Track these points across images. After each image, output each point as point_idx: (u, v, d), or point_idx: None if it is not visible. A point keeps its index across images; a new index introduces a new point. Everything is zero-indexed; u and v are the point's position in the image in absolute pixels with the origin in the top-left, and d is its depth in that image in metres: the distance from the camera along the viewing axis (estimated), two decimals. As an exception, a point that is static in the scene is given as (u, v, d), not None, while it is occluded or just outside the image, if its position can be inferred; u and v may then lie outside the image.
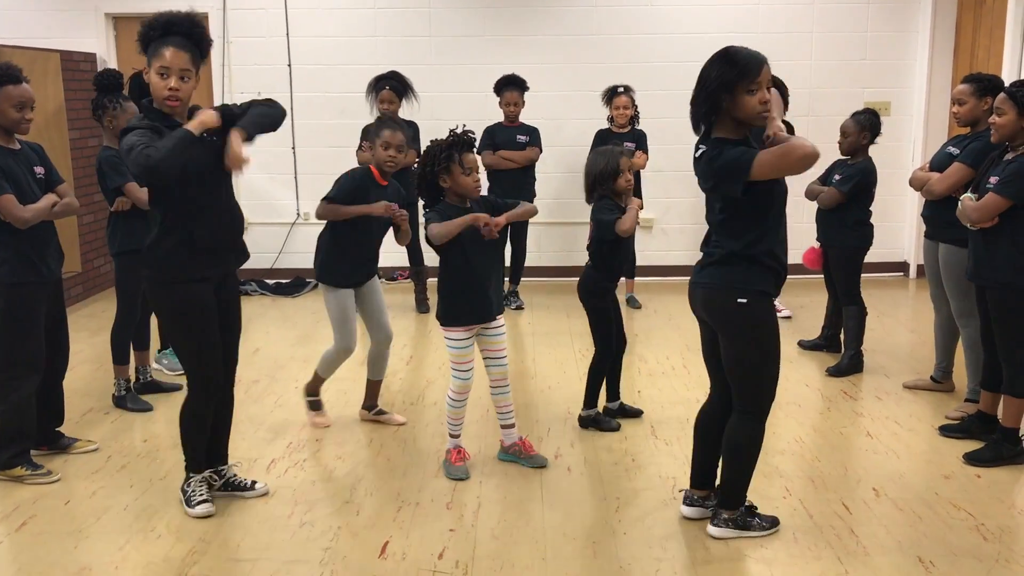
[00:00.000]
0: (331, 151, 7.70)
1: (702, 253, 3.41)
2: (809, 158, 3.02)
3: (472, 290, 3.95)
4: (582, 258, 4.72)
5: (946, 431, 4.49)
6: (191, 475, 3.74)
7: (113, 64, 7.92)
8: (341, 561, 3.34)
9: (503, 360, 4.11)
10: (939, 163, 4.81)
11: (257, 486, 3.90)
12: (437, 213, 3.90)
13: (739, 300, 3.22)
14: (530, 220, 7.16)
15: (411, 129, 6.85)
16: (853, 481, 3.98)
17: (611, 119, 6.94)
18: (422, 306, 7.13)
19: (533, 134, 7.04)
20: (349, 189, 4.37)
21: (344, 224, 4.35)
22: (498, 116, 7.06)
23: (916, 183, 4.95)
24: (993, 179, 4.06)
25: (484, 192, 4.25)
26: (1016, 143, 4.06)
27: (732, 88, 3.08)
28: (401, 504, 3.79)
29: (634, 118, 6.92)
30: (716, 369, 3.49)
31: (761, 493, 3.84)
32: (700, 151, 3.25)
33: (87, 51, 7.67)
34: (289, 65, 7.96)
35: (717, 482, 3.57)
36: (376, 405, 4.77)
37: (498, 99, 6.98)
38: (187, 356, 3.64)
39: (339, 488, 3.96)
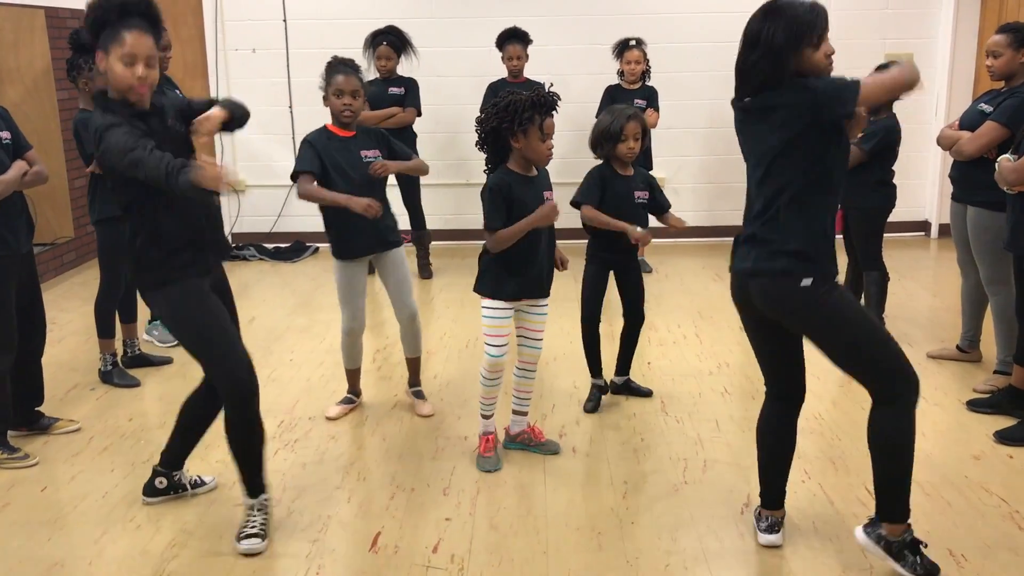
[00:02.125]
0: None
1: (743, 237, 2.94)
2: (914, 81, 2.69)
3: (523, 262, 3.59)
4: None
5: (974, 406, 4.24)
6: (252, 499, 3.25)
7: (102, 21, 7.62)
8: (329, 555, 3.13)
9: (539, 343, 3.78)
10: (970, 121, 4.50)
11: (206, 480, 3.62)
12: (496, 181, 3.53)
13: (803, 283, 2.78)
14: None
15: (410, 85, 6.57)
16: (876, 462, 3.74)
17: (621, 74, 6.61)
18: (424, 271, 6.88)
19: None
20: (310, 157, 3.95)
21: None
22: (502, 71, 6.75)
23: (945, 142, 4.64)
24: None
25: None
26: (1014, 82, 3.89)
27: (799, 44, 2.72)
28: (395, 490, 3.57)
29: (645, 73, 6.59)
30: (771, 364, 3.08)
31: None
32: (762, 100, 2.80)
33: (74, 7, 7.35)
34: (284, 20, 7.63)
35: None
36: (418, 383, 4.43)
37: (500, 54, 6.66)
38: (210, 363, 3.14)
39: (330, 472, 3.75)
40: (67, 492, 3.60)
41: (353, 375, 4.36)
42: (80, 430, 4.18)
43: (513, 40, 6.60)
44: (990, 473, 3.63)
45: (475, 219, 7.49)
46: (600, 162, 4.21)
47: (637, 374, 4.59)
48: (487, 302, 3.65)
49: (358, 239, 4.05)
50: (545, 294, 3.72)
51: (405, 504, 3.46)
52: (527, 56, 6.66)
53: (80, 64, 4.62)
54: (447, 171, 7.64)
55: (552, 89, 3.56)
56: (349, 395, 4.38)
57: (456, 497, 3.51)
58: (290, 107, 7.77)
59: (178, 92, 5.42)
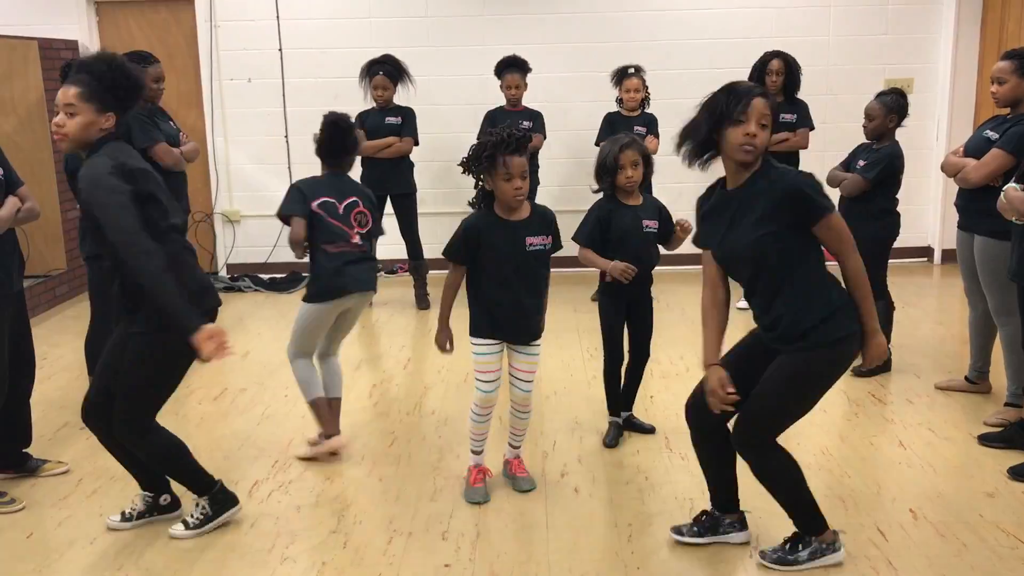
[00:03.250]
0: (325, 139, 7.32)
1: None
2: None
3: (503, 308, 3.54)
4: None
5: (985, 440, 4.14)
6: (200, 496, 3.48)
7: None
8: (324, 605, 3.03)
9: (527, 384, 3.68)
10: (975, 148, 4.42)
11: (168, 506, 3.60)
12: (469, 223, 3.54)
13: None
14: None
15: (407, 114, 6.51)
16: (888, 501, 3.63)
17: (620, 102, 6.55)
18: (422, 302, 6.80)
19: (537, 119, 6.66)
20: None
21: None
22: (499, 100, 6.69)
23: (950, 169, 4.56)
24: None
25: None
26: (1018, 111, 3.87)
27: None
28: (392, 534, 3.46)
29: (645, 100, 6.53)
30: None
31: (787, 517, 3.50)
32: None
33: (68, 38, 7.30)
34: (280, 49, 7.58)
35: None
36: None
37: (499, 82, 6.61)
38: (133, 410, 3.31)
39: (326, 515, 3.63)
40: (54, 538, 3.49)
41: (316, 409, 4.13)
42: (68, 472, 4.07)
43: (512, 69, 6.54)
44: (1005, 511, 3.52)
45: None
46: (602, 195, 4.13)
47: (640, 409, 4.48)
48: (473, 337, 3.61)
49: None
50: (531, 339, 3.65)
51: (403, 549, 3.35)
52: (526, 85, 6.60)
53: None
54: (444, 200, 7.56)
55: (525, 126, 3.59)
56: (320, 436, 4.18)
57: (455, 542, 3.39)
58: (286, 136, 7.71)
59: (171, 123, 5.35)
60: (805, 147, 6.32)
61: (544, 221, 3.60)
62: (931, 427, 4.35)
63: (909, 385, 4.92)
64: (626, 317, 4.18)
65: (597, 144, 6.51)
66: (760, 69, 6.24)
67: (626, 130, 6.44)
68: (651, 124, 6.50)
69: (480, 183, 3.52)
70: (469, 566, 3.22)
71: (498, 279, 3.51)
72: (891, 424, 4.41)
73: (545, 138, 6.69)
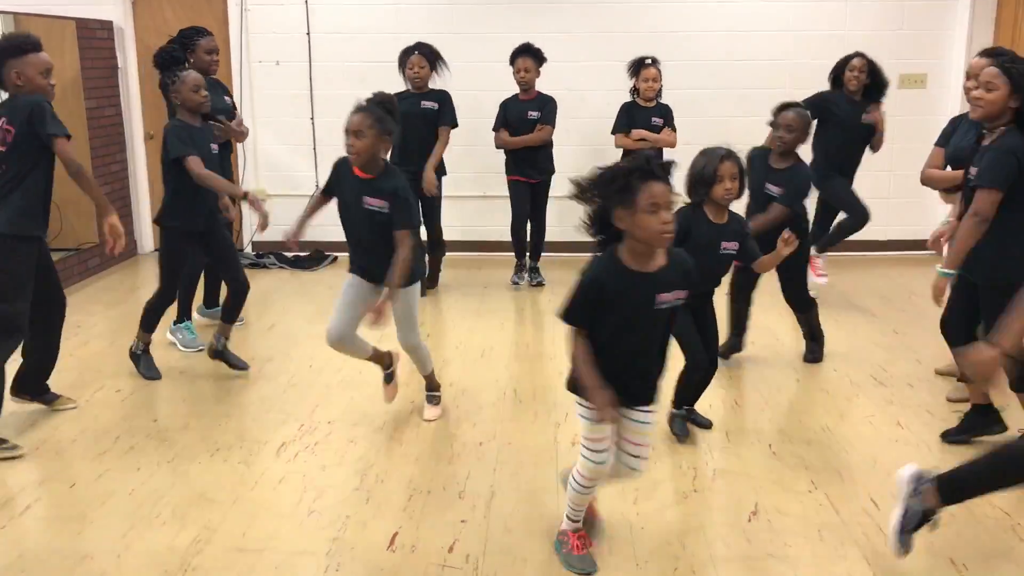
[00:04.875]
0: (350, 122, 7.53)
1: None
2: None
3: (615, 372, 2.87)
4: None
5: (948, 438, 4.15)
6: None
7: (131, 33, 7.81)
8: (348, 552, 3.24)
9: (637, 460, 3.07)
10: (957, 154, 4.59)
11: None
12: (592, 276, 2.85)
13: None
14: (551, 195, 7.06)
15: (444, 99, 6.56)
16: (883, 474, 3.81)
17: (635, 91, 6.68)
18: (432, 282, 6.90)
19: (547, 107, 6.68)
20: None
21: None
22: (516, 87, 6.85)
23: (939, 183, 4.70)
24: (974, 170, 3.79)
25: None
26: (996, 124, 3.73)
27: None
28: (412, 492, 3.68)
29: (659, 91, 6.68)
30: None
31: (786, 486, 3.71)
32: None
33: (103, 18, 7.54)
34: (308, 34, 7.78)
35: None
36: (432, 388, 4.55)
37: (512, 70, 6.73)
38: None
39: (349, 474, 3.85)
40: (94, 489, 3.72)
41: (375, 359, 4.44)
42: (77, 408, 4.47)
43: (524, 54, 6.61)
44: (994, 487, 3.71)
45: (493, 231, 7.63)
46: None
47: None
48: (580, 398, 2.98)
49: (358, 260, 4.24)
50: (646, 402, 3.02)
51: (422, 506, 3.57)
52: (537, 72, 6.64)
53: (166, 81, 5.05)
54: (465, 184, 7.75)
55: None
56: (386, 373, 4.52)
57: (471, 500, 3.61)
58: (312, 119, 7.92)
59: (227, 98, 5.62)
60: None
61: (680, 271, 2.91)
62: (929, 409, 4.53)
63: (911, 370, 5.09)
64: (695, 324, 4.02)
65: (614, 133, 6.69)
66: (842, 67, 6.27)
67: (643, 120, 6.62)
68: (667, 115, 6.64)
69: (596, 220, 2.86)
70: (484, 522, 3.44)
71: (614, 337, 2.89)
72: (891, 406, 4.59)
73: (553, 128, 6.73)
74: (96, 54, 7.30)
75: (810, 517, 3.47)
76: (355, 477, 3.82)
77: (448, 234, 7.03)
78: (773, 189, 4.76)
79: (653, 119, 6.54)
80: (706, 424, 4.32)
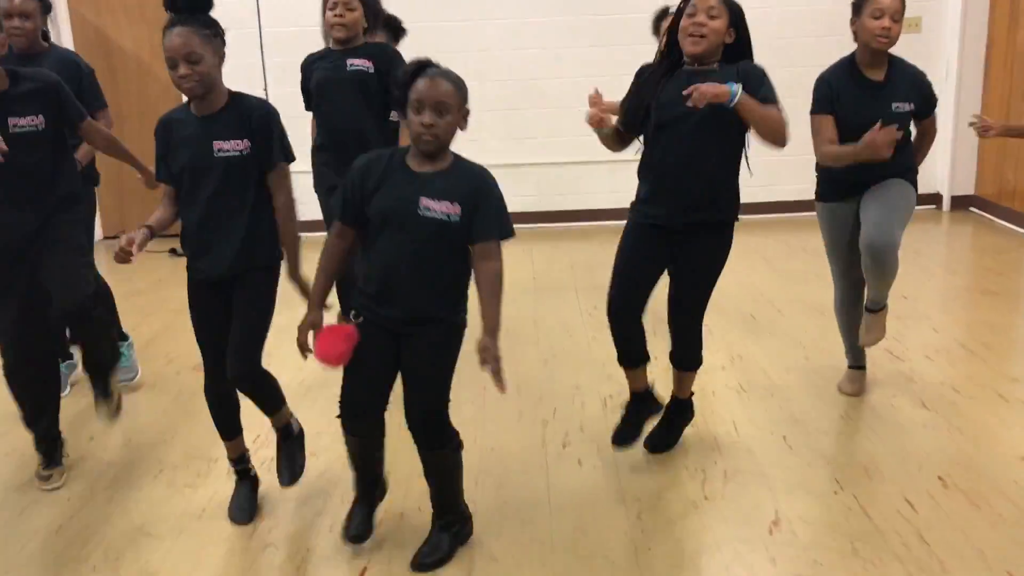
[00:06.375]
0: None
1: None
2: None
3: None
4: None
5: None
6: None
7: None
8: (309, 596, 2.78)
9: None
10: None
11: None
12: None
13: None
14: (531, 161, 6.58)
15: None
16: (914, 468, 3.38)
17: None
18: None
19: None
20: None
21: None
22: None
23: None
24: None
25: None
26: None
27: None
28: (382, 514, 3.20)
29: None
30: None
31: (808, 488, 3.26)
32: None
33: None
34: (257, -4, 7.20)
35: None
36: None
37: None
38: None
39: (310, 495, 3.38)
40: (16, 529, 3.23)
41: None
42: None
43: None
44: (1042, 477, 3.29)
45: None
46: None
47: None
48: None
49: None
50: None
51: (394, 531, 3.11)
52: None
53: None
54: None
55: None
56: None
57: (451, 522, 3.14)
58: (264, 89, 7.33)
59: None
60: None
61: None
62: (954, 386, 4.10)
63: (927, 340, 4.66)
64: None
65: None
66: None
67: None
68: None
69: None
70: (467, 550, 2.97)
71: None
72: (912, 383, 4.16)
73: None
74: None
75: (839, 525, 3.03)
76: (318, 499, 3.35)
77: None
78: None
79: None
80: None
